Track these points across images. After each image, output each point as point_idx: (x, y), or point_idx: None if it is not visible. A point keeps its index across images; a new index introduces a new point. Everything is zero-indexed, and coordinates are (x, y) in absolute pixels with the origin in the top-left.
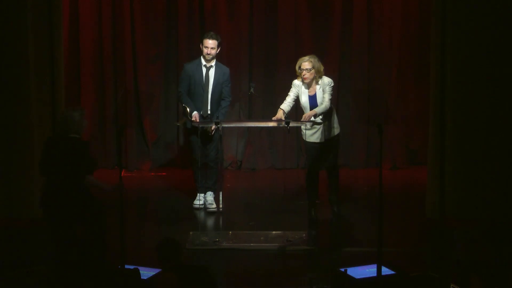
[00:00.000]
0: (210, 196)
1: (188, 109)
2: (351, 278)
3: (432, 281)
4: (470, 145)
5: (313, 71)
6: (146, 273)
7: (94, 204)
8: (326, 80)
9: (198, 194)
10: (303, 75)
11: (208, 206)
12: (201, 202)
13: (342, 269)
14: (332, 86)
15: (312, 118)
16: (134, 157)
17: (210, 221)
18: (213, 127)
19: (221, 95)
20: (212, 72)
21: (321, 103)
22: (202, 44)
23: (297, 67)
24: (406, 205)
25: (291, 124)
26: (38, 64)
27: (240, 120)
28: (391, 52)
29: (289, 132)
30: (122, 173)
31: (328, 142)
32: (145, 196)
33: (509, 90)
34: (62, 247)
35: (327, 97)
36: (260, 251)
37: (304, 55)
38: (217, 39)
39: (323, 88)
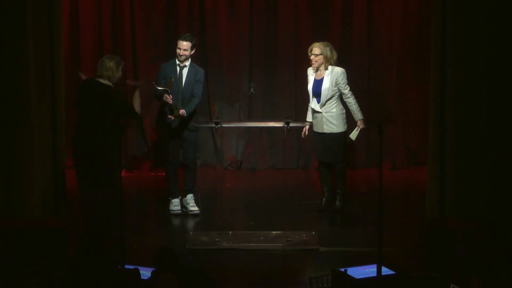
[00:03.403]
0: (191, 199)
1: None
2: (351, 278)
3: (432, 281)
4: (470, 145)
5: (320, 57)
6: (146, 273)
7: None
8: (338, 70)
9: (172, 199)
10: (311, 59)
11: (191, 209)
12: (179, 207)
13: (342, 269)
14: (346, 77)
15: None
16: (134, 157)
17: (210, 221)
18: (181, 111)
19: (192, 94)
20: (185, 71)
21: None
22: (176, 45)
23: (308, 51)
24: (406, 205)
25: (291, 124)
26: (38, 64)
27: (240, 120)
28: (391, 52)
29: (289, 132)
30: (122, 173)
31: (327, 136)
32: (145, 196)
33: (509, 90)
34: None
35: (345, 90)
36: (260, 251)
37: (304, 55)
38: (191, 41)
39: (335, 80)
